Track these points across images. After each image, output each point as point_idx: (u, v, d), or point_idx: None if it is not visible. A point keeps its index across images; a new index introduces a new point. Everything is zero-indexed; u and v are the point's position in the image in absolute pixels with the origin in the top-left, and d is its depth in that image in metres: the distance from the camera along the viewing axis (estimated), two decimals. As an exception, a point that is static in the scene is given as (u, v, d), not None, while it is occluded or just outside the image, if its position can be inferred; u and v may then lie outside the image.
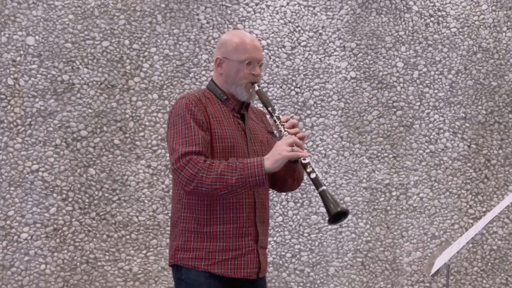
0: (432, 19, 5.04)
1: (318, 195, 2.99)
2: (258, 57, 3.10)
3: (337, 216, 2.91)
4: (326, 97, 4.96)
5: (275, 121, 3.07)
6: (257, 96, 3.11)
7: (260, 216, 3.10)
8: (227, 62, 3.09)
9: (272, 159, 2.94)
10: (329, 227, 4.91)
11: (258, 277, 3.10)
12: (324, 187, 2.94)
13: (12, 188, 4.63)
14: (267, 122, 3.27)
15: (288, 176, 3.17)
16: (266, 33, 4.91)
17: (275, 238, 4.89)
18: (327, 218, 2.96)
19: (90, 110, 4.72)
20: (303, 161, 2.97)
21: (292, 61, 4.93)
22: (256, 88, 3.08)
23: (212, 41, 4.84)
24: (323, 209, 4.92)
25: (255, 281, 3.10)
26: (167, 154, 4.73)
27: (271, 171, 2.95)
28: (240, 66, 3.07)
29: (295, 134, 3.02)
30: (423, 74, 5.03)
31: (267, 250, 4.89)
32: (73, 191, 4.68)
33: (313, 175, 2.95)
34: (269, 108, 3.08)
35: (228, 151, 3.01)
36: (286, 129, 3.03)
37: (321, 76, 4.96)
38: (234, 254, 3.01)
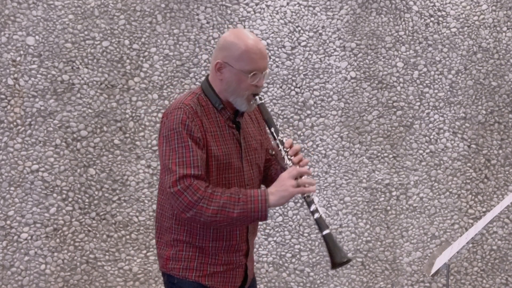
0: (432, 19, 5.04)
1: (321, 237, 2.80)
2: (263, 66, 2.88)
3: (339, 264, 2.79)
4: (326, 97, 4.95)
5: (277, 146, 2.92)
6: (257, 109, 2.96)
7: (252, 229, 3.06)
8: (229, 69, 2.87)
9: (277, 195, 2.80)
10: (331, 227, 4.91)
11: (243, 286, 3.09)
12: (328, 231, 2.78)
13: (12, 188, 4.63)
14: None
15: None
16: (266, 33, 4.91)
17: (275, 238, 4.89)
18: (329, 264, 2.81)
19: (90, 110, 4.72)
20: (308, 199, 2.82)
21: (292, 61, 4.93)
22: (258, 101, 2.91)
23: (212, 41, 4.83)
24: (323, 209, 4.92)
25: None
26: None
27: (275, 206, 2.82)
28: (243, 76, 2.86)
29: (298, 162, 2.88)
30: (423, 74, 5.03)
31: (266, 250, 4.89)
32: (73, 191, 4.68)
33: (316, 215, 2.80)
34: (272, 129, 2.91)
35: (223, 168, 2.89)
36: (290, 157, 2.88)
37: (321, 76, 4.95)
38: (225, 268, 2.98)
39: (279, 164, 3.01)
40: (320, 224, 2.79)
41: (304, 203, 4.93)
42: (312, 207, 2.81)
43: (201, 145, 2.82)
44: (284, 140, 2.92)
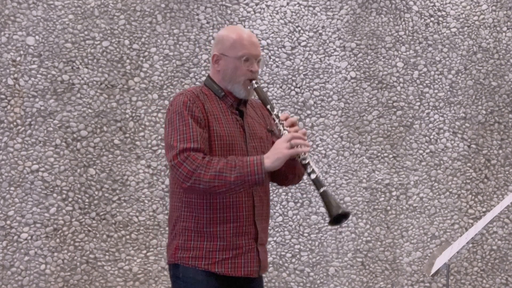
0: (432, 19, 5.04)
1: (318, 195, 2.97)
2: (256, 53, 3.05)
3: (337, 218, 2.88)
4: (326, 97, 4.95)
5: (274, 120, 3.04)
6: (255, 93, 3.08)
7: (259, 214, 3.09)
8: (224, 59, 3.05)
9: (272, 158, 2.91)
10: (329, 227, 4.91)
11: (259, 275, 3.10)
12: (324, 188, 2.90)
13: (12, 188, 4.63)
14: (266, 115, 3.23)
15: (289, 172, 3.15)
16: (266, 33, 4.91)
17: (275, 238, 4.89)
18: (327, 219, 2.95)
19: (90, 110, 4.72)
20: (303, 162, 2.94)
21: (292, 61, 4.93)
22: (254, 85, 3.05)
23: (212, 41, 4.83)
24: (323, 209, 4.92)
25: (252, 280, 3.09)
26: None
27: (271, 169, 2.93)
28: (237, 62, 3.03)
29: (295, 132, 2.99)
30: (423, 74, 5.03)
31: (267, 250, 4.89)
32: (73, 191, 4.68)
33: (313, 176, 2.91)
34: (268, 106, 3.04)
35: (227, 149, 2.99)
36: (285, 128, 3.01)
37: (321, 76, 4.95)
38: (234, 253, 3.00)
39: (277, 137, 3.08)
40: (317, 183, 2.92)
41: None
42: (309, 169, 2.93)
43: (202, 125, 2.96)
44: (279, 114, 3.05)
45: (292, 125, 3.03)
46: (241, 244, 3.02)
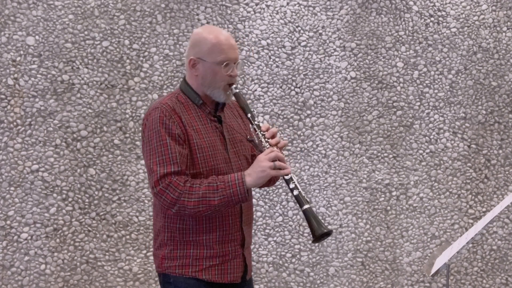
0: (432, 19, 5.04)
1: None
2: (235, 56, 2.97)
3: (320, 236, 2.88)
4: (326, 97, 4.96)
5: (255, 130, 2.99)
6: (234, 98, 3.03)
7: (246, 219, 3.07)
8: (202, 64, 2.95)
9: (254, 176, 2.88)
10: (329, 227, 4.91)
11: (245, 279, 3.09)
12: (307, 206, 2.89)
13: (12, 188, 4.63)
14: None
15: None
16: (266, 33, 4.91)
17: (275, 238, 4.90)
18: (311, 238, 2.94)
19: (90, 110, 4.72)
20: (286, 177, 2.91)
21: (292, 61, 4.93)
22: (234, 90, 2.98)
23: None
24: (323, 209, 4.92)
25: (242, 284, 3.09)
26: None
27: (253, 187, 2.92)
28: (216, 68, 2.94)
29: (276, 144, 2.96)
30: (423, 74, 5.03)
31: (266, 250, 4.89)
32: (73, 191, 4.68)
33: (295, 192, 2.89)
34: (249, 115, 2.99)
35: (210, 159, 2.94)
36: (267, 139, 2.96)
37: (321, 76, 4.96)
38: (221, 260, 2.99)
39: (257, 148, 3.05)
40: (299, 200, 2.89)
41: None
42: (291, 185, 2.90)
43: (181, 141, 2.89)
44: (260, 125, 3.00)
45: (273, 136, 2.98)
46: (227, 251, 3.00)
